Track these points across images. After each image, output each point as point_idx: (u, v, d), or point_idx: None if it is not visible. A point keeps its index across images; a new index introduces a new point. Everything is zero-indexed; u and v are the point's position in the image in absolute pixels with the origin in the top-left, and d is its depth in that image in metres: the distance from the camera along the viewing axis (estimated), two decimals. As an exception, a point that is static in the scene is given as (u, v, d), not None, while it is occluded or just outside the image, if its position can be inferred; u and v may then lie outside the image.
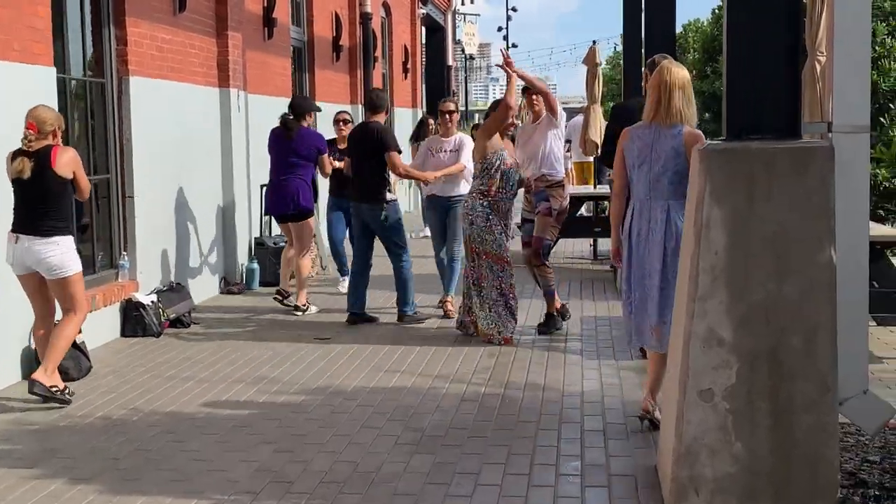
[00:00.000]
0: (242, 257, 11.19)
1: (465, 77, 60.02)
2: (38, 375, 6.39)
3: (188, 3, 9.87)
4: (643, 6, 10.38)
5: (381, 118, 9.06)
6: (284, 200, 9.59)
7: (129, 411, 6.30)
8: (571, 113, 14.59)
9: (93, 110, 8.66)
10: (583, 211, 13.44)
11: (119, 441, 5.71)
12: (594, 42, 13.98)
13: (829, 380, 4.31)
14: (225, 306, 10.02)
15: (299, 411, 6.24)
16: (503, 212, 8.17)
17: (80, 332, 7.25)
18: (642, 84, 7.60)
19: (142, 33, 9.01)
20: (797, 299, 4.32)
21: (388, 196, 8.91)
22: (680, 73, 5.64)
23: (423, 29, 25.45)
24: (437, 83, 26.40)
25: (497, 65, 8.50)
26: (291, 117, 9.67)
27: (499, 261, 8.08)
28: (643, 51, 10.56)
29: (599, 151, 12.01)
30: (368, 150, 8.83)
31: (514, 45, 65.54)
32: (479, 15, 48.02)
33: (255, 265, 11.01)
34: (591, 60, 13.46)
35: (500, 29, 63.15)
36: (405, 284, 8.97)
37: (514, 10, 63.45)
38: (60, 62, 8.10)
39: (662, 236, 5.57)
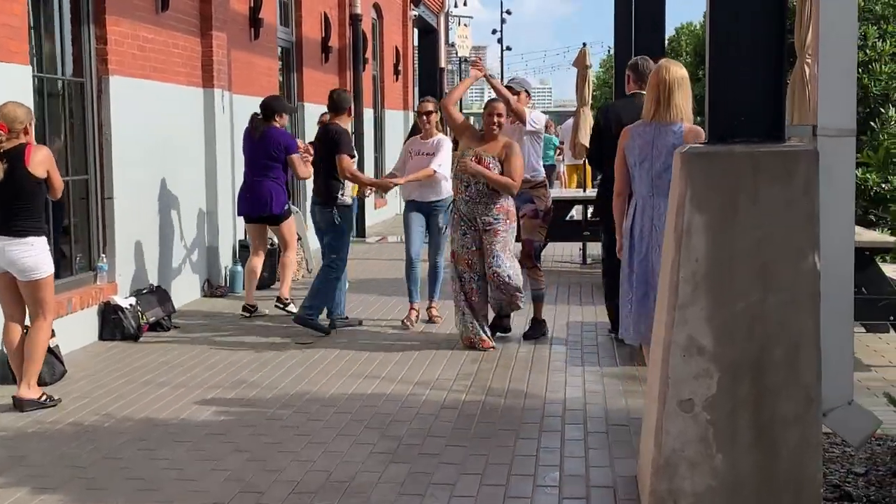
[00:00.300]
0: (226, 260, 11.05)
1: (461, 79, 59.95)
2: (23, 393, 6.30)
3: (171, 3, 9.73)
4: (633, 9, 10.27)
5: (343, 119, 8.91)
6: (257, 202, 9.45)
7: (100, 417, 6.16)
8: (566, 116, 14.50)
9: (72, 110, 8.52)
10: (573, 214, 13.31)
11: (88, 448, 5.57)
12: (584, 44, 13.85)
13: (812, 392, 4.19)
14: (207, 309, 9.89)
15: (275, 418, 6.11)
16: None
17: (53, 335, 7.13)
18: (625, 86, 7.55)
19: (123, 32, 8.87)
20: (780, 309, 4.19)
21: (341, 199, 8.74)
22: (679, 71, 5.73)
23: (416, 31, 25.33)
24: (430, 85, 26.30)
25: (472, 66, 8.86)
26: (261, 117, 9.53)
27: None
28: (632, 53, 10.46)
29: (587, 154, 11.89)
30: (325, 151, 8.74)
31: (508, 48, 65.62)
32: (471, 17, 47.90)
33: (239, 268, 10.86)
34: (581, 63, 13.31)
35: (494, 31, 63.19)
36: (318, 292, 8.57)
37: (508, 12, 63.47)
38: (38, 61, 7.97)
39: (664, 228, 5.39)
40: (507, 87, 8.59)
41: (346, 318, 8.88)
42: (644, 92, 6.36)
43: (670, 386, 4.28)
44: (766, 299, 4.20)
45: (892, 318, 7.33)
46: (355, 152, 9.01)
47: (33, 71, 7.67)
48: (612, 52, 35.88)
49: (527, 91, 8.74)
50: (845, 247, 4.41)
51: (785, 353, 4.20)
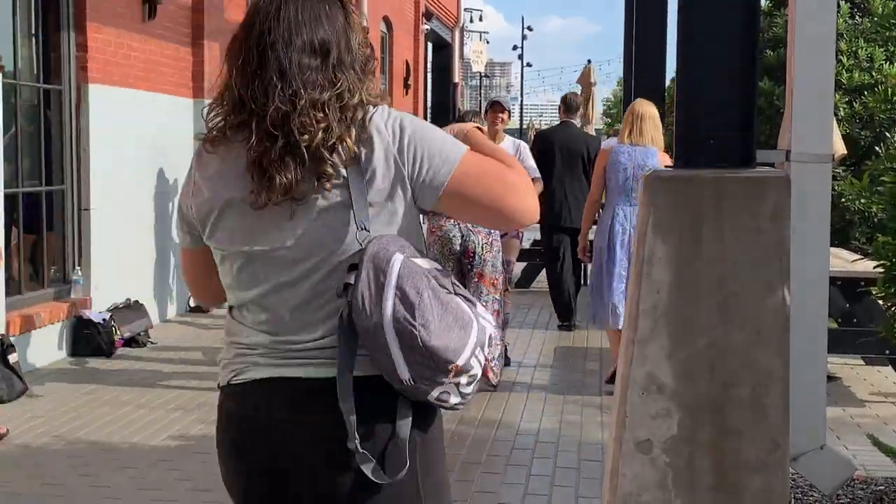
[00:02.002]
0: (214, 274, 10.81)
1: (481, 94, 59.89)
2: None
3: (159, 11, 9.53)
4: (633, 28, 10.09)
5: None
6: None
7: (50, 439, 5.92)
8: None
9: (49, 118, 8.32)
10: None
11: (28, 473, 5.32)
12: (589, 62, 13.65)
13: (779, 436, 3.88)
14: (188, 326, 9.65)
15: (231, 445, 5.84)
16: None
17: (13, 350, 6.92)
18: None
19: (105, 40, 8.67)
20: (746, 345, 3.89)
21: None
22: (648, 108, 7.17)
23: (430, 45, 25.16)
24: (443, 100, 26.14)
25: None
26: None
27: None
28: (632, 73, 10.26)
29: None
30: None
31: (528, 64, 65.55)
32: (488, 32, 47.78)
33: (226, 283, 10.63)
34: (585, 80, 13.11)
35: (515, 48, 63.12)
36: None
37: (529, 28, 63.44)
38: (12, 67, 7.77)
39: None
40: (494, 103, 8.37)
41: None
42: (570, 120, 10.03)
43: (627, 426, 3.99)
44: (730, 335, 3.90)
45: (887, 352, 7.01)
46: None
47: (10, 78, 7.50)
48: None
49: (509, 112, 8.63)
50: (820, 278, 4.13)
51: (750, 392, 3.90)
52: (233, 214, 2.18)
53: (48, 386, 7.16)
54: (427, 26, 23.27)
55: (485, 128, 8.22)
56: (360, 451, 2.06)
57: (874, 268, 4.82)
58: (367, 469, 2.06)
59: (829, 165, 4.03)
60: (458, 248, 6.93)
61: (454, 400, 2.13)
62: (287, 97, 2.09)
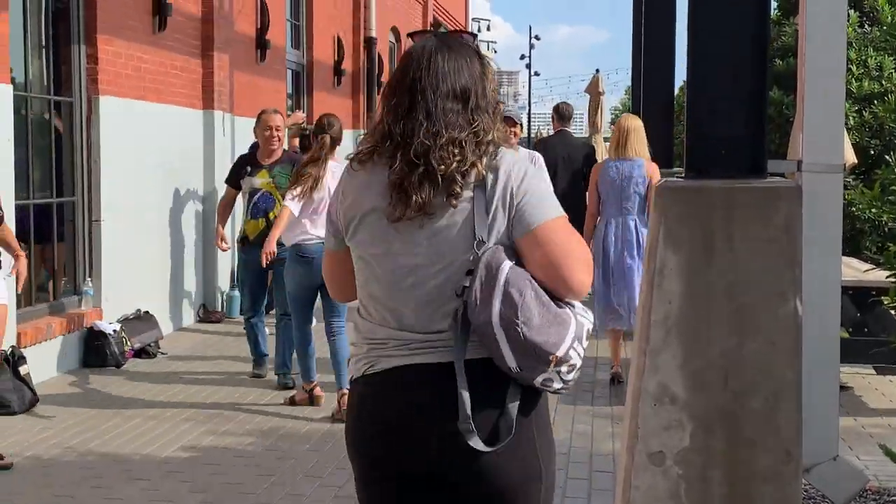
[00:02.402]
0: (224, 284, 10.83)
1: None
2: None
3: (169, 23, 9.57)
4: (642, 37, 10.07)
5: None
6: None
7: (62, 451, 5.92)
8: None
9: (59, 130, 8.34)
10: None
11: (40, 484, 5.33)
12: (597, 71, 13.64)
13: (792, 448, 3.87)
14: (199, 336, 9.66)
15: (242, 455, 5.85)
16: None
17: (24, 361, 6.92)
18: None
19: (116, 52, 8.70)
20: (758, 356, 3.88)
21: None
22: (634, 122, 7.78)
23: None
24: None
25: None
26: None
27: None
28: (640, 82, 10.24)
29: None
30: None
31: (536, 73, 65.54)
32: (496, 42, 47.80)
33: (236, 293, 10.63)
34: (593, 89, 13.10)
35: (522, 57, 63.12)
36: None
37: (537, 38, 63.41)
38: (24, 80, 7.80)
39: (634, 240, 7.52)
40: (506, 118, 8.38)
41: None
42: (565, 129, 10.59)
43: (640, 438, 3.98)
44: (743, 345, 3.89)
45: (899, 361, 6.98)
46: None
47: (21, 90, 7.53)
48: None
49: (521, 124, 8.68)
50: (831, 288, 4.12)
51: (763, 403, 3.89)
52: (373, 221, 2.55)
53: (59, 397, 7.17)
54: (435, 36, 23.27)
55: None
56: (465, 423, 2.40)
57: (886, 277, 4.79)
58: (471, 439, 2.40)
59: (841, 175, 4.03)
60: None
61: (557, 385, 2.52)
62: (430, 134, 2.49)
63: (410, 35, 2.74)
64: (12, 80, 7.24)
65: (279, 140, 7.81)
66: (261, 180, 7.66)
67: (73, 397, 7.20)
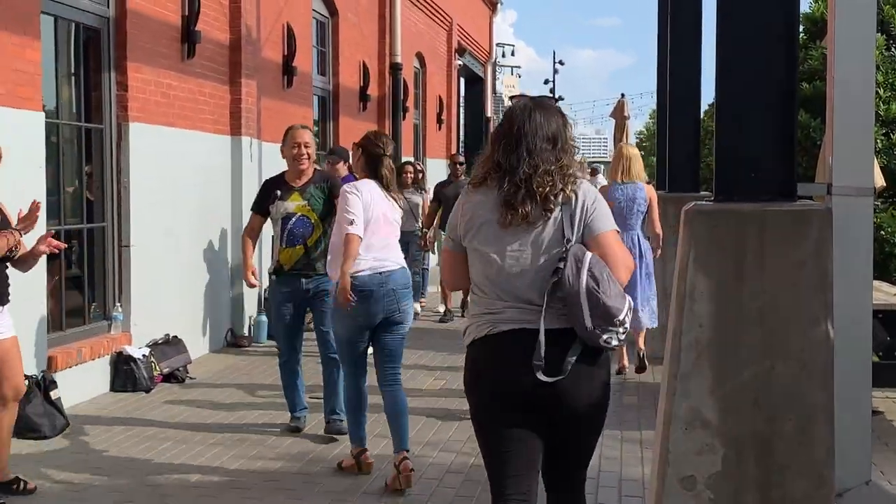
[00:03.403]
0: (251, 309, 10.87)
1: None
2: None
3: (198, 50, 9.66)
4: (668, 61, 10.08)
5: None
6: None
7: (92, 475, 5.95)
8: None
9: (90, 157, 8.42)
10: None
11: (72, 509, 5.36)
12: (623, 95, 13.64)
13: (825, 472, 3.86)
14: (226, 361, 9.69)
15: (271, 479, 5.86)
16: None
17: (55, 386, 6.97)
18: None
19: (145, 79, 8.78)
20: (790, 379, 3.87)
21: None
22: (633, 150, 8.90)
23: (462, 80, 25.28)
24: (476, 135, 26.22)
25: None
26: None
27: None
28: (667, 105, 10.25)
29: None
30: None
31: (560, 98, 65.48)
32: (520, 67, 47.86)
33: (264, 317, 10.68)
34: (619, 113, 13.11)
35: (546, 82, 63.11)
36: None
37: (561, 63, 63.41)
38: (55, 107, 7.90)
39: (637, 251, 8.45)
40: None
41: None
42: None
43: (671, 462, 3.98)
44: (774, 369, 3.89)
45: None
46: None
47: (53, 118, 7.63)
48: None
49: None
50: (863, 311, 4.10)
51: (795, 427, 3.88)
52: (488, 229, 3.62)
53: (89, 421, 7.21)
54: (460, 62, 23.39)
55: None
56: (537, 361, 3.48)
57: (917, 301, 4.77)
58: (538, 371, 3.48)
59: (871, 199, 4.02)
60: None
61: (614, 342, 3.55)
62: (531, 166, 3.58)
63: (511, 98, 3.96)
64: (44, 107, 7.32)
65: (309, 158, 6.92)
66: (294, 204, 6.83)
67: (103, 422, 7.24)
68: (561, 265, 3.49)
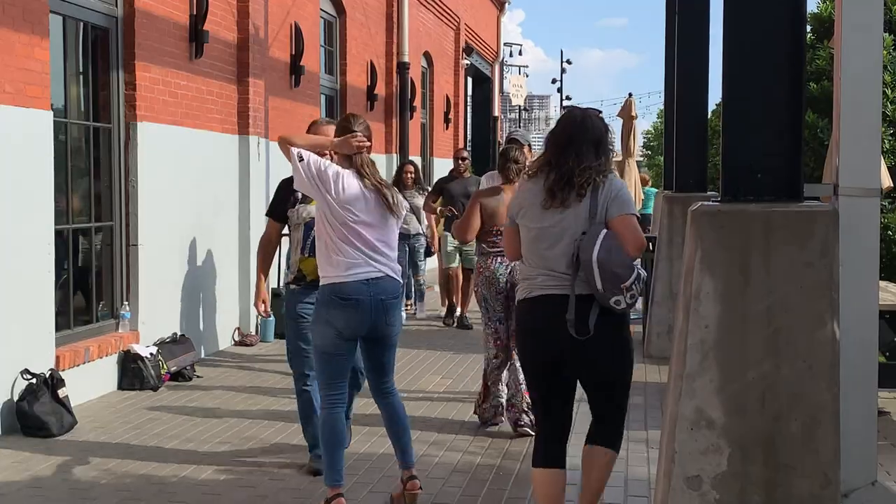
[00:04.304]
0: (258, 308, 10.87)
1: (521, 127, 59.92)
2: None
3: (206, 49, 9.68)
4: (675, 61, 10.08)
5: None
6: None
7: (100, 473, 5.97)
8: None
9: (98, 156, 8.45)
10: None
11: (80, 507, 5.38)
12: (630, 94, 13.64)
13: (830, 472, 3.85)
14: (235, 359, 9.71)
15: (277, 478, 5.87)
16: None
17: (63, 384, 7.00)
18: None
19: (153, 78, 8.81)
20: (796, 379, 3.87)
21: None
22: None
23: (469, 80, 25.27)
24: (483, 134, 26.23)
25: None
26: None
27: None
28: (674, 105, 10.25)
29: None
30: None
31: (568, 98, 65.48)
32: (527, 66, 47.90)
33: (271, 318, 10.69)
34: (626, 113, 13.11)
35: (554, 81, 63.14)
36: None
37: (568, 62, 63.44)
38: (63, 106, 7.93)
39: None
40: (512, 139, 8.40)
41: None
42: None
43: (676, 462, 3.98)
44: (780, 369, 3.89)
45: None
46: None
47: (61, 117, 7.65)
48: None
49: (528, 144, 8.63)
50: (869, 311, 4.09)
51: (801, 427, 3.88)
52: (533, 209, 4.49)
53: (97, 419, 7.24)
54: (467, 61, 23.38)
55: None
56: (570, 318, 4.33)
57: (924, 301, 4.77)
58: (570, 327, 4.32)
59: (878, 199, 4.01)
60: (505, 285, 6.96)
61: (622, 305, 4.37)
62: (575, 163, 4.42)
63: (564, 108, 4.91)
64: (52, 107, 7.35)
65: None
66: None
67: (110, 420, 7.26)
68: (581, 239, 4.31)
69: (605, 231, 4.31)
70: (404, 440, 5.43)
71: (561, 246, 4.38)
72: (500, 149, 7.80)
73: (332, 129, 5.87)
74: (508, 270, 6.87)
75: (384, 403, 5.46)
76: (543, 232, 4.43)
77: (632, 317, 5.60)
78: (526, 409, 6.75)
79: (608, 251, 4.25)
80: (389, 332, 5.31)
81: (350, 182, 5.17)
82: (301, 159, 5.11)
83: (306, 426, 6.08)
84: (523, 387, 6.68)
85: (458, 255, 12.14)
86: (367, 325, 5.17)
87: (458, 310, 12.13)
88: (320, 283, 5.24)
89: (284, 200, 6.14)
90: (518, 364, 6.85)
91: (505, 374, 7.01)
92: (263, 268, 6.36)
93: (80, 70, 8.30)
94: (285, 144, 5.22)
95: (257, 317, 10.82)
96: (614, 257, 4.25)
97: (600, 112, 4.68)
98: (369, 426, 6.87)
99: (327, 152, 5.46)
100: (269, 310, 6.45)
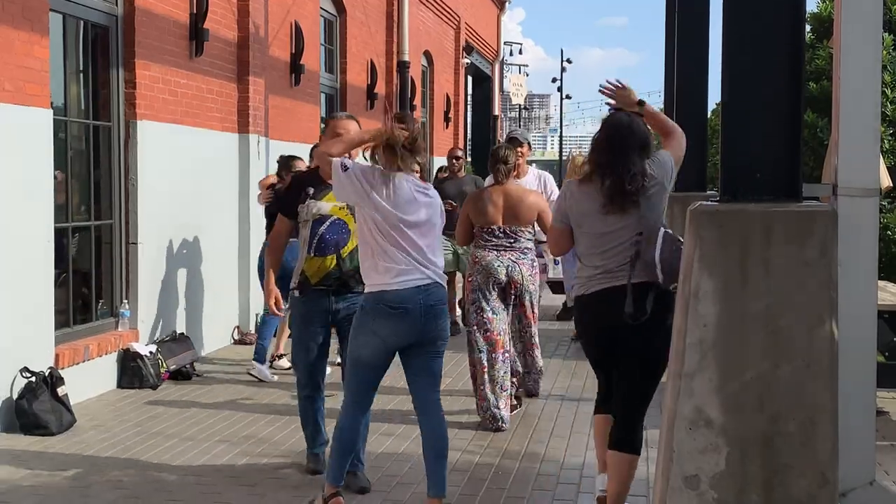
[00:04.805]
0: (258, 307, 10.89)
1: (521, 126, 59.92)
2: None
3: (206, 48, 9.69)
4: (675, 60, 10.07)
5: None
6: None
7: (99, 471, 5.97)
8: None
9: (98, 154, 8.45)
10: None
11: (79, 505, 5.38)
12: (630, 94, 13.62)
13: (828, 471, 3.86)
14: (233, 358, 9.71)
15: (276, 477, 5.88)
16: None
17: (62, 382, 7.00)
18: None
19: (153, 77, 8.81)
20: (794, 379, 3.88)
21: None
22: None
23: (470, 78, 25.27)
24: (483, 133, 26.23)
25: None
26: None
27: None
28: (674, 105, 10.24)
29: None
30: None
31: (568, 97, 65.50)
32: (527, 65, 47.90)
33: (271, 316, 10.67)
34: (626, 113, 13.11)
35: (554, 80, 63.10)
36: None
37: (569, 61, 63.38)
38: (63, 104, 7.93)
39: None
40: (511, 139, 8.40)
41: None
42: None
43: (674, 461, 3.98)
44: (778, 368, 3.89)
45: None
46: None
47: (61, 115, 7.65)
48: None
49: (528, 143, 8.68)
50: (867, 311, 4.10)
51: (799, 427, 3.88)
52: (592, 214, 4.81)
53: (96, 418, 7.24)
54: (467, 60, 23.38)
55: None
56: (629, 308, 4.68)
57: (923, 301, 4.77)
58: (627, 315, 4.67)
59: (877, 199, 4.02)
60: (504, 278, 7.00)
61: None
62: (624, 169, 4.70)
63: (610, 108, 5.05)
64: (52, 105, 7.35)
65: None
66: (330, 204, 5.67)
67: (109, 418, 7.26)
68: (639, 238, 4.70)
69: (663, 230, 4.66)
70: (442, 467, 5.12)
71: (620, 248, 4.74)
72: (491, 149, 7.75)
73: (353, 123, 5.73)
74: (507, 266, 6.92)
75: (430, 421, 5.14)
76: (604, 237, 4.76)
77: None
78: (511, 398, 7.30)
79: (668, 251, 4.60)
80: (440, 338, 5.10)
81: (400, 184, 4.97)
82: (345, 168, 4.89)
83: (305, 426, 6.02)
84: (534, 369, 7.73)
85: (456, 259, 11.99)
86: (415, 333, 4.98)
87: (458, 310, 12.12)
88: (365, 290, 5.06)
89: (296, 195, 5.81)
90: (515, 355, 7.53)
91: (503, 367, 7.07)
92: (273, 264, 6.09)
93: (80, 68, 8.30)
94: (323, 159, 5.06)
95: (257, 315, 10.82)
96: (674, 255, 4.54)
97: (641, 116, 4.89)
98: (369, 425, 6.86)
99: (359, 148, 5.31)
100: (281, 306, 6.11)
